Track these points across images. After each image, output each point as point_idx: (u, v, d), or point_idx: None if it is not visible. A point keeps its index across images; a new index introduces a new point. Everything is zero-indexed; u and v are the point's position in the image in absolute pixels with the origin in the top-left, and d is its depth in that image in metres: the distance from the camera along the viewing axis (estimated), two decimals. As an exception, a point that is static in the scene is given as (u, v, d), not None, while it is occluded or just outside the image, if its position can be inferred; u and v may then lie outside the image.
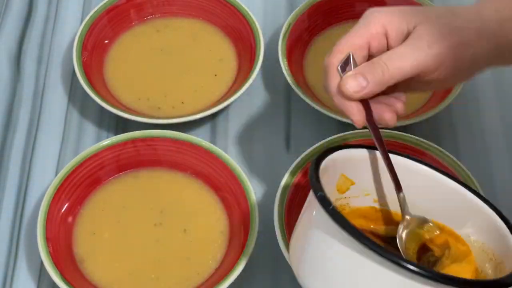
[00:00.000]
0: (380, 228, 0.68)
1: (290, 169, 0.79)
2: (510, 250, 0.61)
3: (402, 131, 0.83)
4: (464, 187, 0.66)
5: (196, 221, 0.80)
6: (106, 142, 0.82)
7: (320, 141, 0.82)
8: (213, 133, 0.90)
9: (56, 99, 0.92)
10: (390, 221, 0.68)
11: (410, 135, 0.83)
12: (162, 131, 0.83)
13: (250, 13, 0.93)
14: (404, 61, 0.63)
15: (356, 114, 0.64)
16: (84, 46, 0.91)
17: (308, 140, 0.87)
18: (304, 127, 0.90)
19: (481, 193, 0.77)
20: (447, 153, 0.81)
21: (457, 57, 0.64)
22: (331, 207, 0.56)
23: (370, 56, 0.65)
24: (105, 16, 0.94)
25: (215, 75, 0.92)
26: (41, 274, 0.78)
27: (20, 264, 0.79)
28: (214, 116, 0.90)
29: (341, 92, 0.63)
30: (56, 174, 0.84)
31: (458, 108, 0.91)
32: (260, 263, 0.79)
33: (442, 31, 0.63)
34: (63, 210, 0.79)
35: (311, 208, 0.60)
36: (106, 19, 0.94)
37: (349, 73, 0.63)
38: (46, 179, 0.85)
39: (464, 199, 0.65)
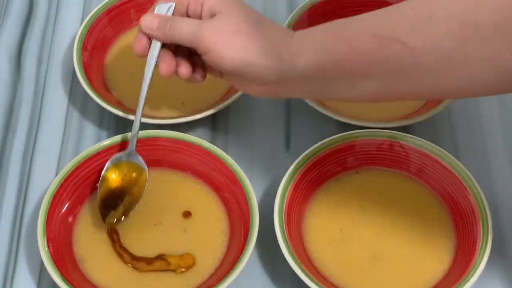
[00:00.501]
0: None
1: (290, 169, 0.79)
2: None
3: (402, 131, 0.83)
4: None
5: (196, 221, 0.80)
6: (106, 142, 0.82)
7: (320, 141, 0.82)
8: (213, 133, 0.90)
9: (56, 99, 0.93)
10: None
11: (410, 135, 0.83)
12: (162, 131, 0.83)
13: (250, 13, 0.93)
14: (186, 28, 0.74)
15: (138, 45, 0.78)
16: (84, 46, 0.91)
17: (308, 140, 0.87)
18: (304, 127, 0.90)
19: (481, 193, 0.78)
20: (447, 153, 0.81)
21: (232, 55, 0.71)
22: None
23: (182, 15, 0.76)
24: (105, 17, 0.94)
25: (215, 75, 0.92)
26: (41, 274, 0.78)
27: (20, 264, 0.79)
28: (214, 116, 0.90)
29: (140, 23, 0.77)
30: (56, 174, 0.85)
31: (458, 108, 0.91)
32: (260, 263, 0.79)
33: (240, 25, 0.72)
34: (63, 210, 0.79)
35: None
36: (106, 20, 0.94)
37: (155, 13, 0.77)
38: (46, 179, 0.85)
39: None
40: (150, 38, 0.77)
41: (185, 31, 0.74)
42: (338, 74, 0.68)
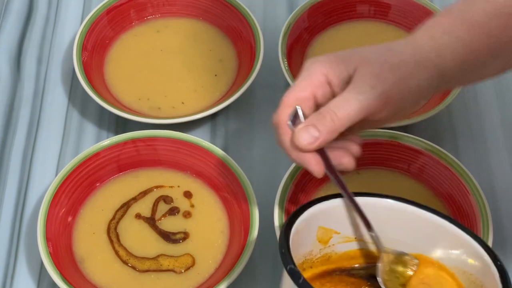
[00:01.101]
0: (364, 264, 0.69)
1: (290, 169, 0.79)
2: (488, 271, 0.62)
3: (402, 131, 0.83)
4: (429, 211, 0.66)
5: (196, 221, 0.80)
6: (106, 142, 0.82)
7: (320, 141, 0.82)
8: (213, 133, 0.90)
9: (56, 99, 0.93)
10: (374, 258, 0.68)
11: (410, 135, 0.83)
12: (162, 131, 0.83)
13: (250, 13, 0.93)
14: (350, 106, 0.63)
15: (315, 165, 0.64)
16: (84, 46, 0.91)
17: (308, 140, 0.87)
18: (304, 127, 0.90)
19: (481, 193, 0.78)
20: (447, 153, 0.81)
21: (401, 92, 0.64)
22: (301, 281, 0.56)
23: (317, 106, 0.65)
24: (105, 16, 0.94)
25: (215, 75, 0.92)
26: (41, 274, 0.78)
27: (20, 264, 0.79)
28: (214, 116, 0.90)
29: (296, 146, 0.64)
30: (56, 174, 0.84)
31: (458, 108, 0.91)
32: (260, 263, 0.79)
33: (382, 70, 0.64)
34: (63, 210, 0.79)
35: (285, 280, 0.59)
36: (106, 19, 0.94)
37: (300, 126, 0.63)
38: (46, 179, 0.85)
39: (430, 224, 0.66)
40: (317, 151, 0.65)
41: (352, 110, 0.63)
42: (474, 60, 0.66)
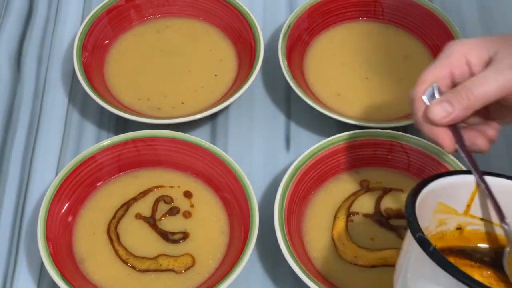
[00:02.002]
0: (485, 248, 0.67)
1: (290, 169, 0.79)
2: None
3: (402, 131, 0.83)
4: None
5: (196, 221, 0.80)
6: (106, 142, 0.82)
7: (320, 141, 0.82)
8: (213, 133, 0.90)
9: (56, 99, 0.93)
10: (495, 240, 0.66)
11: (410, 135, 0.83)
12: (162, 131, 0.83)
13: (250, 13, 0.93)
14: (487, 84, 0.64)
15: (446, 139, 0.65)
16: (84, 46, 0.91)
17: (308, 140, 0.87)
18: (304, 127, 0.90)
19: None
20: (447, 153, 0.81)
21: None
22: (431, 249, 0.55)
23: (454, 85, 0.66)
24: (105, 17, 0.94)
25: (215, 75, 0.92)
26: (41, 274, 0.78)
27: (20, 264, 0.79)
28: (214, 116, 0.90)
29: (429, 119, 0.65)
30: (56, 174, 0.85)
31: (458, 108, 0.91)
32: (260, 263, 0.79)
33: None
34: (63, 210, 0.79)
35: (411, 249, 0.59)
36: (106, 20, 0.94)
37: (435, 100, 0.65)
38: (46, 179, 0.85)
39: None
40: (450, 128, 0.66)
41: (488, 88, 0.64)
42: None
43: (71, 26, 0.99)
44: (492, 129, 0.67)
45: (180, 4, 0.97)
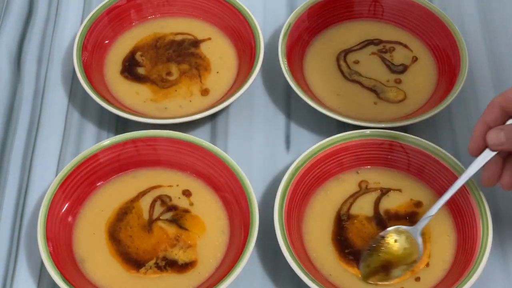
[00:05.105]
0: None
1: (290, 169, 0.79)
2: None
3: (402, 131, 0.83)
4: None
5: (196, 221, 0.80)
6: (106, 142, 0.82)
7: (320, 141, 0.82)
8: (213, 133, 0.90)
9: (56, 99, 0.93)
10: None
11: (410, 135, 0.83)
12: (162, 131, 0.83)
13: (250, 13, 0.93)
14: None
15: (474, 148, 0.72)
16: (84, 46, 0.91)
17: (308, 140, 0.87)
18: (304, 127, 0.90)
19: (481, 193, 0.77)
20: (447, 153, 0.81)
21: None
22: None
23: None
24: (105, 17, 0.94)
25: (217, 71, 0.92)
26: (41, 274, 0.78)
27: (20, 264, 0.79)
28: (214, 116, 0.90)
29: (485, 140, 0.71)
30: (56, 174, 0.85)
31: (458, 108, 0.91)
32: (260, 263, 0.79)
33: None
34: (63, 210, 0.79)
35: None
36: (106, 20, 0.94)
37: (497, 127, 0.70)
38: (46, 179, 0.85)
39: None
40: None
41: None
42: None
43: (71, 26, 0.99)
44: (509, 178, 0.71)
45: (180, 4, 0.97)
